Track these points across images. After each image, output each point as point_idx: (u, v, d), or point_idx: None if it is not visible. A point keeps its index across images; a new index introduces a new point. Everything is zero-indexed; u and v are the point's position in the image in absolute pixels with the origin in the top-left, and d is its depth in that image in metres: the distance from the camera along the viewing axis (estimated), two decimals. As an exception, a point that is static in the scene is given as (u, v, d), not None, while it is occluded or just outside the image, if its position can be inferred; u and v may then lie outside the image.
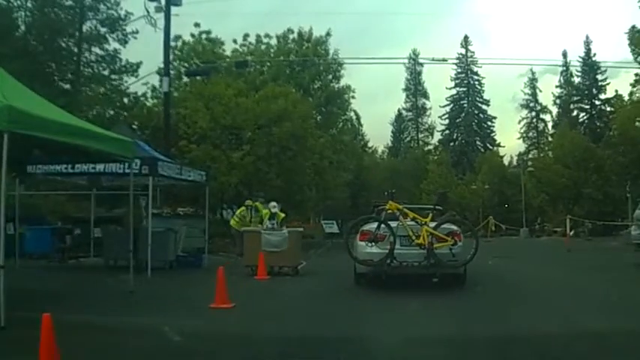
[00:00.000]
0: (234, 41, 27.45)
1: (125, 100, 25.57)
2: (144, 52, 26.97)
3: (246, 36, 27.36)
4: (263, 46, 27.01)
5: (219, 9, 57.71)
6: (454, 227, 9.74)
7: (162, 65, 21.58)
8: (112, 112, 24.83)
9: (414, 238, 9.20)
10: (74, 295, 8.73)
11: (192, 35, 26.00)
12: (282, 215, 13.16)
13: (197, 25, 25.97)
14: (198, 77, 24.41)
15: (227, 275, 11.15)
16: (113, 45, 27.04)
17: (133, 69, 26.94)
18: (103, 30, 27.49)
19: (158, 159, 12.42)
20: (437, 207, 10.21)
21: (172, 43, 25.21)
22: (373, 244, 9.33)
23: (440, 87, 76.12)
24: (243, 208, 16.40)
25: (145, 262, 11.40)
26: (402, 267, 9.30)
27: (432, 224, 9.37)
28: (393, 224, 9.24)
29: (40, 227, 16.21)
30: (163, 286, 10.28)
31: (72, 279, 11.47)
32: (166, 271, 12.92)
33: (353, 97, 29.06)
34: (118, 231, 14.02)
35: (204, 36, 26.03)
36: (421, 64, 66.84)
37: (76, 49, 27.24)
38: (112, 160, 10.16)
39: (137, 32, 26.78)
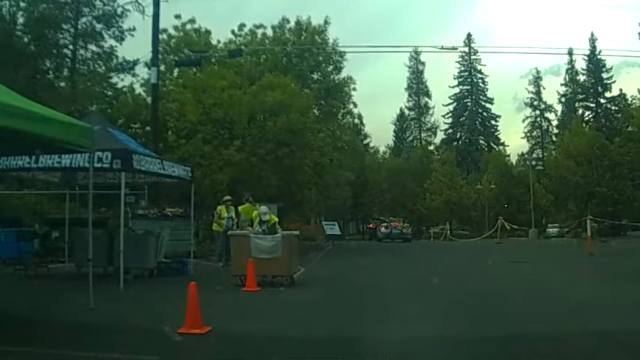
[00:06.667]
0: (233, 32, 26.01)
1: (110, 93, 24.24)
2: (140, 50, 26.02)
3: (241, 26, 25.83)
4: (259, 35, 25.38)
5: (222, 10, 56.46)
6: (407, 224, 42.68)
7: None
8: (99, 107, 23.35)
9: (398, 227, 40.06)
10: (17, 315, 7.11)
11: (176, 28, 24.48)
12: (275, 219, 11.45)
13: (178, 16, 24.58)
14: (190, 68, 22.81)
15: (211, 287, 9.77)
16: (109, 42, 26.62)
17: (129, 66, 26.06)
18: (98, 27, 26.56)
19: (133, 151, 10.75)
20: (405, 218, 45.93)
21: (160, 36, 23.89)
22: (385, 229, 40.28)
23: (442, 86, 75.20)
24: (222, 207, 15.30)
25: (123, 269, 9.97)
26: (394, 236, 38.36)
27: (403, 223, 42.11)
28: (392, 224, 41.16)
29: (11, 230, 14.75)
30: (132, 302, 8.65)
31: (29, 292, 9.85)
32: (144, 280, 11.33)
33: (354, 89, 27.44)
34: (94, 234, 12.43)
35: (189, 26, 24.48)
36: (423, 63, 66.38)
37: (70, 45, 26.34)
38: (71, 151, 8.49)
39: (134, 29, 25.88)
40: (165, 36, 23.81)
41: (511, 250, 24.40)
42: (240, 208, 15.01)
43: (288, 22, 25.86)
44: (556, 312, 7.82)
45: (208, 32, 24.87)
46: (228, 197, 15.60)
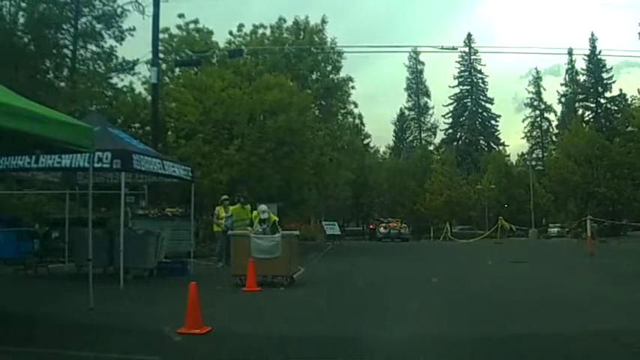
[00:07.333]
0: (230, 33, 26.01)
1: (109, 93, 24.26)
2: (141, 50, 26.02)
3: (240, 26, 25.82)
4: (259, 34, 25.34)
5: (222, 10, 56.42)
6: (405, 224, 42.78)
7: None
8: (99, 107, 23.34)
9: (396, 228, 40.59)
10: (17, 315, 7.10)
11: (179, 27, 24.39)
12: (275, 218, 11.46)
13: (181, 15, 24.44)
14: (191, 68, 22.76)
15: (211, 287, 9.78)
16: (109, 42, 26.56)
17: (129, 66, 26.07)
18: (98, 27, 26.58)
19: (133, 151, 10.72)
20: (403, 219, 45.71)
21: (160, 35, 23.84)
22: (384, 229, 40.63)
23: (442, 86, 75.14)
24: (220, 207, 15.29)
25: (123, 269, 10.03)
26: (393, 236, 39.05)
27: (401, 223, 42.16)
28: (391, 224, 41.35)
29: (11, 230, 14.75)
30: (132, 302, 8.65)
31: (29, 292, 9.85)
32: (144, 280, 11.33)
33: (353, 88, 27.45)
34: (93, 234, 12.42)
35: (191, 26, 24.39)
36: (422, 63, 66.41)
37: (70, 45, 26.35)
38: (71, 151, 8.50)
39: (134, 29, 25.86)
40: (166, 35, 23.74)
41: (511, 250, 24.40)
42: (231, 208, 15.01)
43: (285, 21, 25.90)
44: (556, 312, 7.82)
45: (210, 32, 24.83)
46: (226, 197, 15.62)
